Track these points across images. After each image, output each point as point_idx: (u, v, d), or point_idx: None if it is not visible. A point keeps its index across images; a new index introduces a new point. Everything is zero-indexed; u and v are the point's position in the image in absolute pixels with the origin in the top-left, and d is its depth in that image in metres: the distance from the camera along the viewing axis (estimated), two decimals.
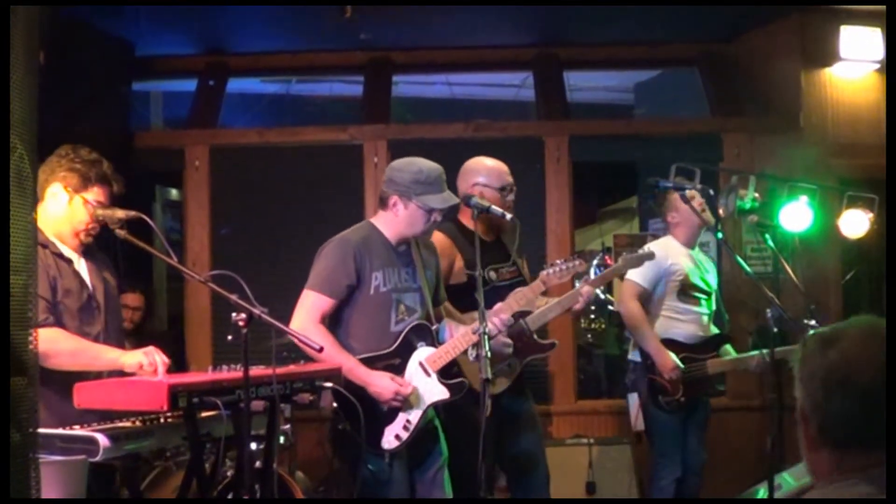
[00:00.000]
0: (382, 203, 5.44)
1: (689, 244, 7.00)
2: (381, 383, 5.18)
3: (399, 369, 5.33)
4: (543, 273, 5.73)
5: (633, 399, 6.94)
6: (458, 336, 5.45)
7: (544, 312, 6.02)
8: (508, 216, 5.45)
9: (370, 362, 5.26)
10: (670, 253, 6.87)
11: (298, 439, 7.05)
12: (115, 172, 4.97)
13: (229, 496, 5.30)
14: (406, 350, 5.37)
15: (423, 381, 5.35)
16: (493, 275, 6.00)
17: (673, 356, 6.70)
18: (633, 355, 6.93)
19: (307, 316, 5.22)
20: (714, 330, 7.01)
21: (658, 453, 6.89)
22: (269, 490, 4.79)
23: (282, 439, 6.69)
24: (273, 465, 4.92)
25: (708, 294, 6.97)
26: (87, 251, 4.97)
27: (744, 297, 8.05)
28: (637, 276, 6.80)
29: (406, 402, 5.25)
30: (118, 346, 4.92)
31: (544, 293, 6.09)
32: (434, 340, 5.44)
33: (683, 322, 6.85)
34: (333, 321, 5.36)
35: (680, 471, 6.79)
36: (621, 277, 6.84)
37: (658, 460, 6.88)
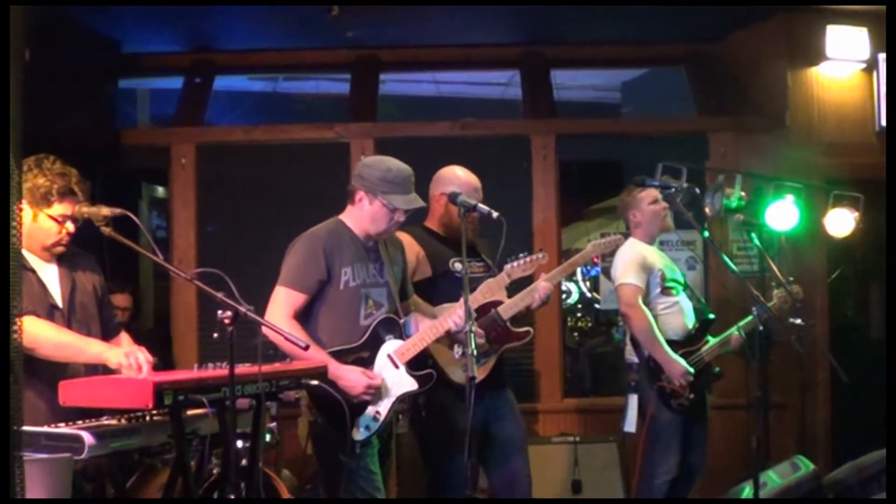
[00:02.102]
0: (350, 198, 5.50)
1: (651, 243, 6.99)
2: (351, 377, 5.24)
3: (368, 362, 5.39)
4: (507, 266, 5.78)
5: (633, 400, 6.89)
6: (425, 328, 5.55)
7: (515, 302, 6.03)
8: (495, 214, 5.46)
9: (339, 356, 5.32)
10: (645, 251, 6.87)
11: (284, 437, 7.03)
12: (82, 180, 4.88)
13: (215, 494, 5.30)
14: (374, 343, 5.43)
15: (391, 374, 5.42)
16: (458, 265, 6.01)
17: (682, 361, 6.68)
18: (631, 356, 6.87)
19: (280, 312, 5.26)
20: (695, 317, 7.00)
21: (657, 452, 6.82)
22: (254, 488, 4.78)
23: (268, 437, 6.68)
24: (259, 463, 4.92)
25: (682, 283, 6.97)
26: (63, 255, 4.93)
27: (730, 296, 8.06)
28: (632, 278, 6.77)
29: (376, 395, 5.32)
30: None
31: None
32: (402, 333, 5.51)
33: (671, 315, 6.83)
34: (303, 315, 5.40)
35: (676, 471, 6.76)
36: (607, 275, 6.85)
37: (656, 459, 6.81)
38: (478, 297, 5.74)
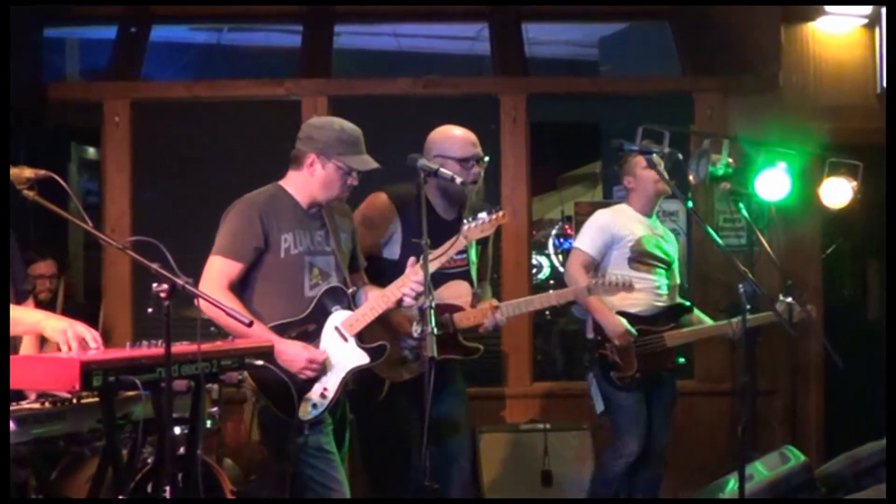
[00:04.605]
0: (296, 162, 5.49)
1: (646, 212, 7.05)
2: (291, 351, 5.23)
3: (314, 335, 5.38)
4: (464, 228, 5.57)
5: (593, 379, 7.00)
6: (376, 297, 5.50)
7: (474, 315, 6.07)
8: (458, 180, 5.44)
9: (282, 329, 5.31)
10: (621, 219, 6.97)
11: (227, 423, 7.03)
12: None
13: (149, 486, 5.27)
14: (320, 315, 5.42)
15: (339, 347, 5.40)
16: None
17: (623, 321, 6.76)
18: (590, 332, 6.98)
19: (215, 283, 5.24)
20: (673, 301, 7.05)
21: (615, 434, 6.99)
22: (192, 479, 4.76)
23: (208, 423, 6.67)
24: (198, 451, 4.89)
25: (666, 264, 7.01)
26: None
27: (715, 272, 8.09)
28: (583, 243, 6.95)
29: (322, 370, 5.31)
30: None
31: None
32: (350, 304, 5.48)
33: (637, 291, 6.88)
34: (242, 286, 5.39)
35: (636, 454, 6.89)
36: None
37: (614, 441, 6.99)
38: (442, 293, 5.73)
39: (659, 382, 6.96)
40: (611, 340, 6.78)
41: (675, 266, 7.14)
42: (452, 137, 6.11)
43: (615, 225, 6.92)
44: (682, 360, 6.96)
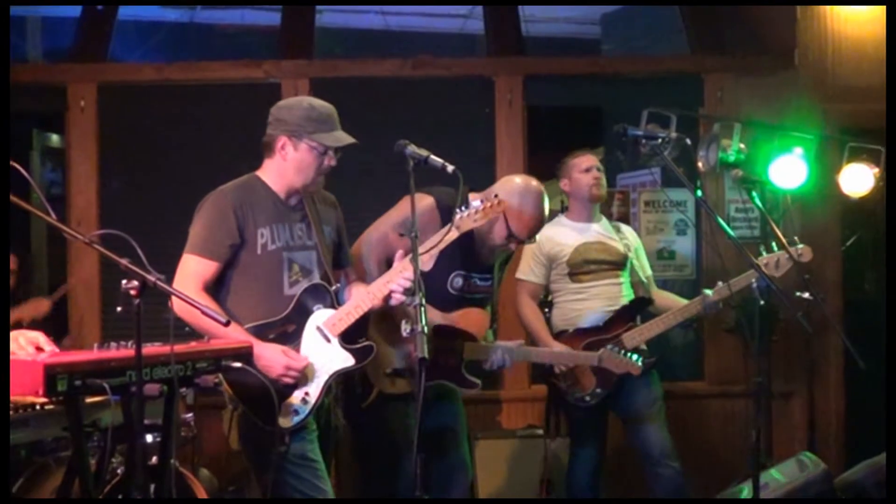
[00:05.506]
0: (268, 149, 5.48)
1: (583, 219, 7.22)
2: (268, 355, 5.18)
3: (294, 336, 5.36)
4: (457, 217, 5.50)
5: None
6: (361, 294, 5.49)
7: (484, 349, 6.18)
8: (450, 168, 5.38)
9: (260, 331, 5.28)
10: (552, 237, 7.10)
11: (203, 431, 7.01)
12: None
13: (119, 498, 5.26)
14: (301, 314, 5.39)
15: (322, 349, 5.38)
16: (458, 281, 6.06)
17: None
18: None
19: (189, 284, 5.20)
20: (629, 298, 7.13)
21: (575, 444, 7.21)
22: (166, 491, 4.75)
23: (183, 430, 6.66)
24: (171, 460, 4.88)
25: (615, 264, 7.10)
26: None
27: (726, 265, 8.09)
28: (524, 273, 7.14)
29: (302, 375, 5.27)
30: None
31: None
32: (333, 302, 5.46)
33: (585, 301, 7.02)
34: (218, 285, 5.37)
35: (594, 462, 7.09)
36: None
37: (575, 452, 7.20)
38: (424, 259, 5.65)
39: (629, 385, 6.96)
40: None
41: (634, 261, 7.18)
42: (525, 220, 6.12)
43: (546, 245, 7.06)
44: (646, 359, 6.90)
